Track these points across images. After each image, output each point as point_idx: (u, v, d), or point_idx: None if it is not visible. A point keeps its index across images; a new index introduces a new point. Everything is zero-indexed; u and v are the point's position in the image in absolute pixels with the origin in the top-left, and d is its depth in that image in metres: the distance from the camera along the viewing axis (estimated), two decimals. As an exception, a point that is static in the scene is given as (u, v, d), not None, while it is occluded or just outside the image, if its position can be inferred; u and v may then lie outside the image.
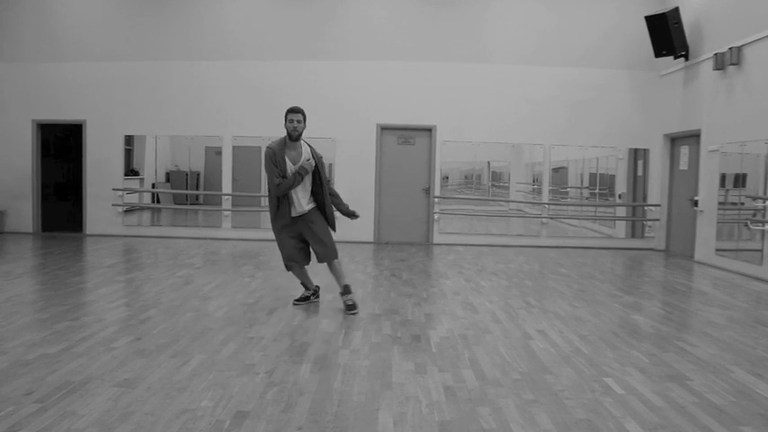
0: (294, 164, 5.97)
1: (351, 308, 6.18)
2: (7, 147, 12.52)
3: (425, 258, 10.33)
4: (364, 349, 4.91)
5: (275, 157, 5.95)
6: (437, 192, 12.23)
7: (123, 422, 3.39)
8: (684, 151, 11.34)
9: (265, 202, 10.93)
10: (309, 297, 6.57)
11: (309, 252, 6.41)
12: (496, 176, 12.80)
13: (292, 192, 6.04)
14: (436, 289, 7.65)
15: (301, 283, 6.59)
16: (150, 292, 6.93)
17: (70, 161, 13.38)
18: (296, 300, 6.51)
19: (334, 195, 6.38)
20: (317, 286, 6.69)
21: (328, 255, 6.25)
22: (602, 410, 3.72)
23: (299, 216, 6.15)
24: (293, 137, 6.00)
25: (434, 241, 12.25)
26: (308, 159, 5.99)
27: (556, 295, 7.32)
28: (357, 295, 6.87)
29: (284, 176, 5.96)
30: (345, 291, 6.30)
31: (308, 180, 6.07)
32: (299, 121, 5.99)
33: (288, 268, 6.40)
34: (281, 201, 6.12)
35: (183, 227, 12.62)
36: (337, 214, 6.36)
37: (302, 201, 6.10)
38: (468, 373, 4.38)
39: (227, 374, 4.21)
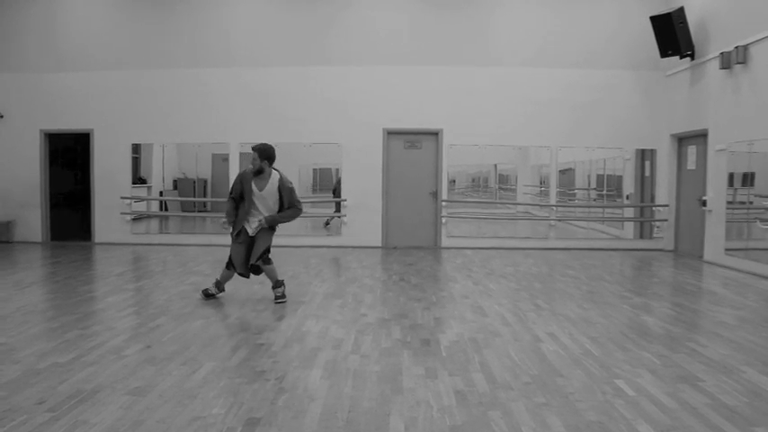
0: (260, 191, 6.76)
1: (281, 297, 6.91)
2: (15, 157, 12.58)
3: (434, 262, 10.32)
4: (374, 354, 4.90)
5: (243, 178, 6.83)
6: (444, 195, 12.23)
7: (135, 430, 3.40)
8: (692, 151, 11.30)
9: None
10: (214, 295, 7.05)
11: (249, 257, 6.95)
12: (503, 179, 12.79)
13: (250, 215, 6.85)
14: (445, 293, 7.64)
15: (216, 282, 7.06)
16: (160, 300, 6.95)
17: (78, 170, 13.44)
18: (205, 291, 7.05)
19: (290, 211, 6.95)
20: (224, 290, 7.16)
21: (255, 256, 6.82)
22: (614, 412, 3.71)
23: (253, 235, 6.87)
24: (253, 172, 6.78)
25: (442, 245, 12.25)
26: (259, 221, 6.79)
27: (565, 297, 7.30)
28: (365, 300, 6.94)
29: (241, 197, 6.84)
30: (276, 286, 6.95)
31: (268, 205, 6.83)
32: (254, 159, 6.77)
33: (228, 267, 6.94)
34: (238, 217, 6.87)
35: (191, 234, 12.65)
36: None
37: (253, 224, 6.83)
38: (479, 376, 4.37)
39: (238, 381, 4.21)
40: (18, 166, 12.58)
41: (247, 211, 6.81)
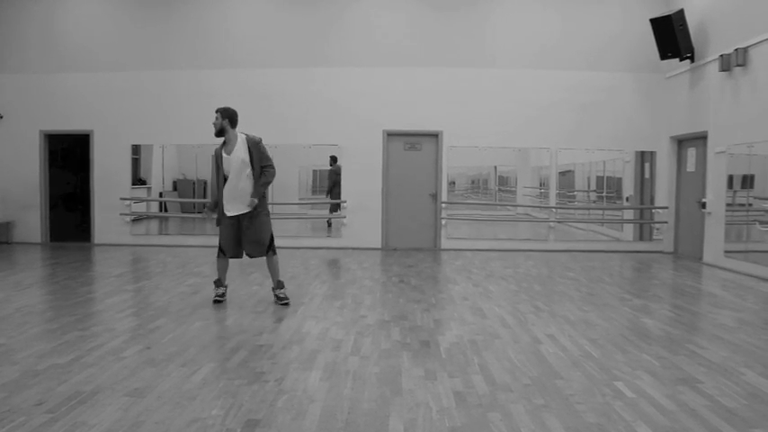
0: (228, 154, 6.59)
1: (283, 299, 6.81)
2: (15, 157, 12.59)
3: (433, 264, 10.32)
4: (374, 356, 4.90)
5: (215, 153, 6.77)
6: (444, 197, 12.23)
7: None
8: (691, 153, 11.31)
9: (272, 209, 11.00)
10: (221, 297, 6.93)
11: (241, 250, 6.81)
12: (503, 181, 12.79)
13: (224, 194, 6.62)
14: (445, 294, 7.64)
15: (215, 280, 6.97)
16: (159, 302, 6.95)
17: (78, 171, 13.44)
18: (216, 298, 6.93)
19: (266, 174, 6.66)
20: (226, 285, 7.07)
21: (261, 252, 6.72)
22: (613, 414, 3.71)
23: (235, 216, 6.63)
24: (215, 132, 6.72)
25: (442, 246, 12.25)
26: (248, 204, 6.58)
27: (565, 299, 7.30)
28: (364, 301, 6.92)
29: (218, 168, 6.68)
30: (278, 285, 6.86)
31: (236, 179, 6.58)
32: (216, 119, 6.67)
33: (220, 256, 6.82)
34: (217, 199, 6.72)
35: (190, 235, 12.65)
36: None
37: (232, 203, 6.61)
38: (478, 378, 4.37)
39: (237, 383, 4.21)
40: (18, 167, 12.58)
41: (221, 186, 6.63)
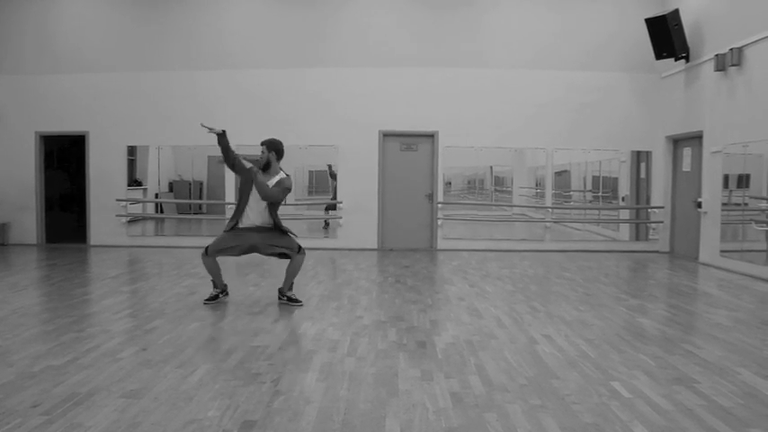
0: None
1: (296, 301, 6.84)
2: (10, 159, 12.56)
3: (430, 264, 10.32)
4: (370, 356, 4.90)
5: (253, 169, 6.62)
6: (440, 197, 12.23)
7: (130, 433, 3.39)
8: (687, 153, 11.33)
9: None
10: (218, 295, 6.95)
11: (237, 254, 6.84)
12: (499, 181, 12.80)
13: (247, 207, 6.63)
14: (441, 295, 7.64)
15: (211, 281, 6.94)
16: (155, 303, 6.94)
17: (73, 172, 13.41)
18: (206, 299, 6.91)
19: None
20: (225, 284, 7.07)
21: (292, 251, 6.77)
22: (610, 414, 3.71)
23: (248, 228, 6.66)
24: (261, 167, 6.64)
25: (438, 247, 12.25)
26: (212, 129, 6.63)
27: (561, 299, 7.31)
28: (360, 302, 6.98)
29: (243, 184, 6.69)
30: (290, 288, 6.91)
31: (256, 206, 6.62)
32: (262, 152, 6.66)
33: (205, 254, 6.69)
34: (237, 212, 6.68)
35: (186, 236, 12.63)
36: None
37: (251, 216, 6.64)
38: (475, 378, 4.37)
39: (234, 384, 4.21)
40: (13, 169, 12.55)
41: (242, 206, 6.63)
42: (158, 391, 4.03)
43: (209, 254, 6.68)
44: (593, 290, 7.94)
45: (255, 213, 6.64)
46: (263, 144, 6.68)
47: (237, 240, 6.65)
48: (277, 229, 6.70)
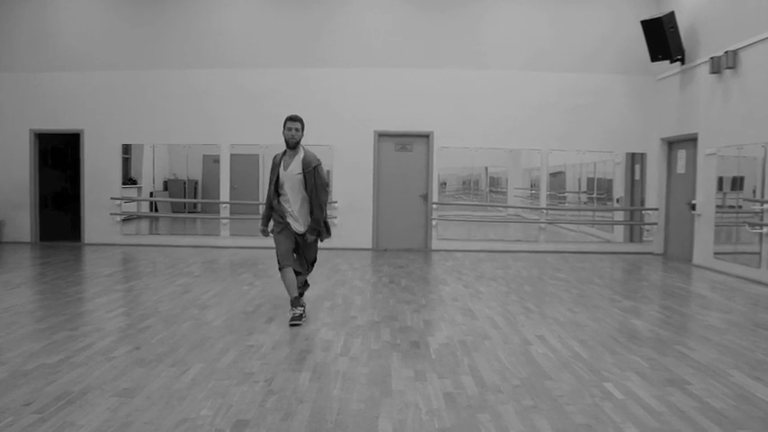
0: (285, 170, 5.99)
1: (296, 319, 5.95)
2: (5, 156, 12.52)
3: (424, 265, 10.33)
4: (363, 356, 4.90)
5: (275, 161, 6.14)
6: (435, 198, 12.24)
7: (123, 432, 3.39)
8: (682, 155, 11.36)
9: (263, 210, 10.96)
10: (302, 314, 6.03)
11: (302, 262, 6.30)
12: (494, 182, 12.81)
13: (285, 208, 6.05)
14: (435, 295, 7.64)
15: (292, 300, 6.02)
16: (149, 301, 6.92)
17: (68, 170, 13.37)
18: (292, 321, 5.93)
19: (317, 211, 6.00)
20: (303, 304, 6.20)
21: (306, 270, 6.37)
22: (602, 416, 3.72)
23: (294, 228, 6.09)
24: (290, 144, 6.00)
25: (433, 247, 12.25)
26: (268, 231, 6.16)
27: (555, 300, 7.32)
28: (354, 302, 6.98)
29: (276, 184, 6.04)
30: (297, 303, 6.06)
31: (294, 197, 6.00)
32: (296, 130, 5.98)
33: (280, 267, 6.03)
34: (274, 207, 6.11)
35: (181, 235, 12.61)
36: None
37: (294, 222, 6.07)
38: (468, 379, 4.37)
39: (227, 383, 4.20)
40: (7, 166, 12.51)
41: (272, 198, 6.06)
42: (151, 390, 4.03)
43: (283, 267, 6.03)
44: (586, 291, 7.95)
45: (295, 211, 6.07)
46: (296, 120, 6.01)
47: (288, 236, 6.09)
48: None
